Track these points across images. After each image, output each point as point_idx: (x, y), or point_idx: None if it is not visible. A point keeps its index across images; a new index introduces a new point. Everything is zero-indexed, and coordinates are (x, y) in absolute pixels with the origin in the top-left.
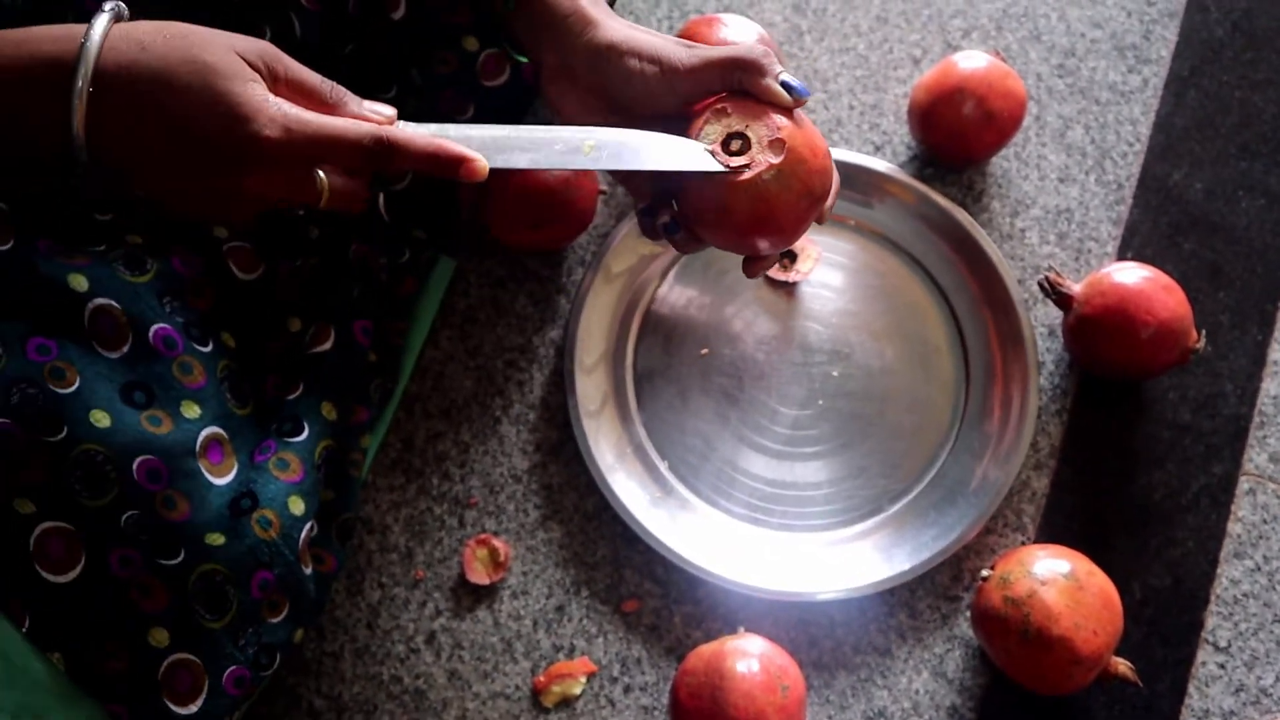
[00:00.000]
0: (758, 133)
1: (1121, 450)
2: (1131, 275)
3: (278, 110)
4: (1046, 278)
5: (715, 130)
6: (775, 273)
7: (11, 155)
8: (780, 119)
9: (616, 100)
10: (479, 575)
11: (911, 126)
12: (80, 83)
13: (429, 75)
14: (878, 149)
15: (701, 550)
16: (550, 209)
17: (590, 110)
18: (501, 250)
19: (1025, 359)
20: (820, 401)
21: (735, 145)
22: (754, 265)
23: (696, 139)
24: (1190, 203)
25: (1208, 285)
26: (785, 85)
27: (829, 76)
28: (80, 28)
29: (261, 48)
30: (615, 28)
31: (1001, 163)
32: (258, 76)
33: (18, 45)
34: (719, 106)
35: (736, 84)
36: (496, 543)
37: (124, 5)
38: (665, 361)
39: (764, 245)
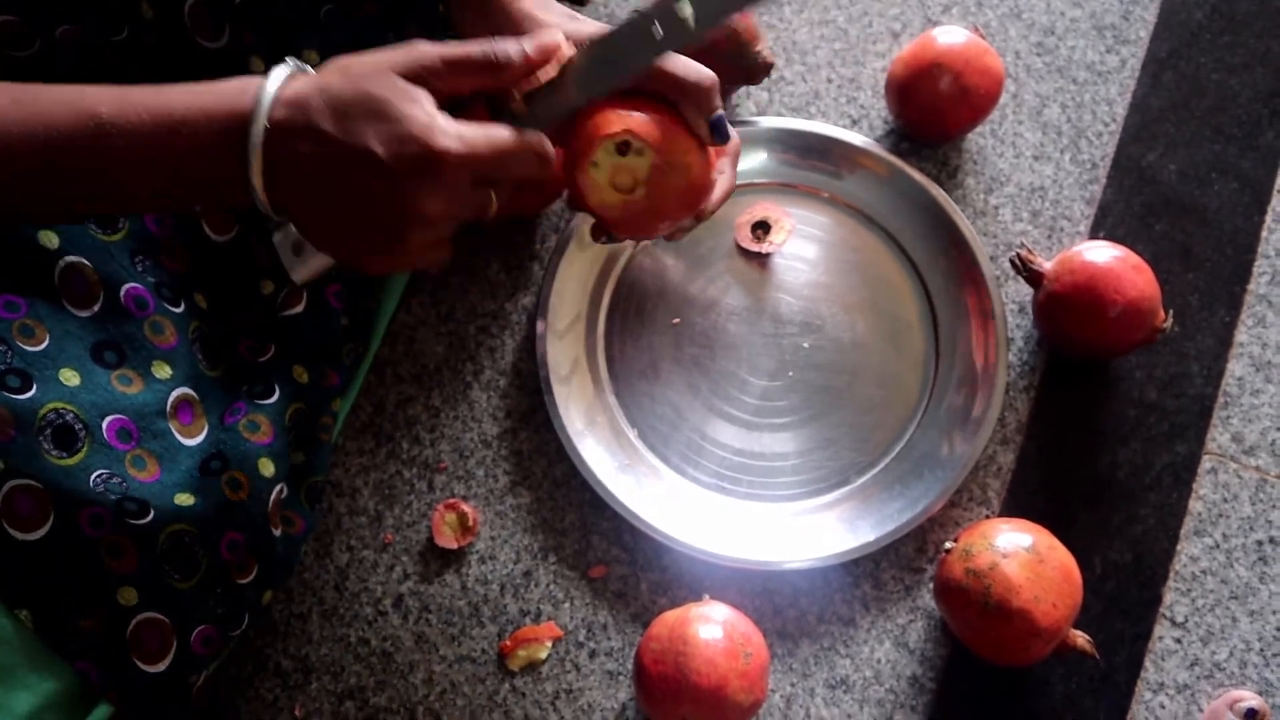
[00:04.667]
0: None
1: (1087, 427)
2: (1102, 254)
3: (448, 124)
4: (1018, 254)
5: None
6: (748, 243)
7: (202, 204)
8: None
9: None
10: (447, 540)
11: (889, 101)
12: (255, 139)
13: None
14: (855, 122)
15: (668, 518)
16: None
17: None
18: None
19: (995, 335)
20: (790, 373)
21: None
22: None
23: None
24: (1163, 184)
25: (1178, 266)
26: (710, 123)
27: (808, 49)
28: (255, 81)
29: (413, 55)
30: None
31: (977, 139)
32: (420, 93)
33: (190, 103)
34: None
35: (670, 96)
36: (465, 507)
37: (303, 65)
38: (637, 330)
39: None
